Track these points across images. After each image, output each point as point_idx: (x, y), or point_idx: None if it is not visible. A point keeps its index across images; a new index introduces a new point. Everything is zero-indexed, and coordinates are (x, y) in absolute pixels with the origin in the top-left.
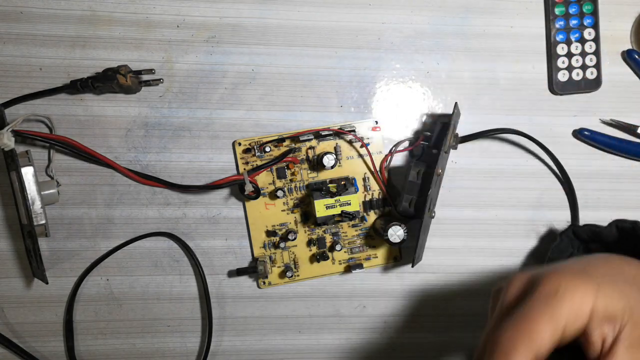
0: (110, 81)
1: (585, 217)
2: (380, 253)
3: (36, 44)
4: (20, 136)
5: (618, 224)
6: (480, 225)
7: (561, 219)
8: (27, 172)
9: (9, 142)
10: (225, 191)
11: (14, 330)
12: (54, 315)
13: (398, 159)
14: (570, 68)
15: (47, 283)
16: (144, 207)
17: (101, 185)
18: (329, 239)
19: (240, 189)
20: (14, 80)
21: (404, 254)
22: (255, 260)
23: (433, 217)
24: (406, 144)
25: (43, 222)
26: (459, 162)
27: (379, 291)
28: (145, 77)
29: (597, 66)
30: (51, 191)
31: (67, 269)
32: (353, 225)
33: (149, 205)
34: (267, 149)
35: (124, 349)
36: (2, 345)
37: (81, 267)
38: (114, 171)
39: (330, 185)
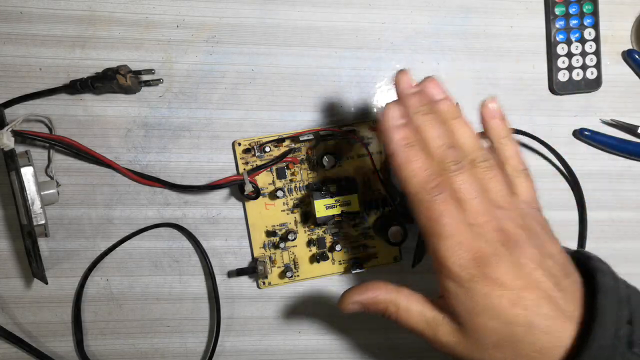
0: (110, 81)
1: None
2: (380, 253)
3: (36, 44)
4: (20, 136)
5: None
6: None
7: (563, 219)
8: (27, 172)
9: (8, 142)
10: (225, 191)
11: (13, 331)
12: (54, 316)
13: None
14: (570, 68)
15: (46, 283)
16: (143, 207)
17: (101, 185)
18: (329, 239)
19: (240, 189)
20: (14, 80)
21: (404, 254)
22: (255, 260)
23: None
24: None
25: (43, 222)
26: None
27: None
28: (145, 77)
29: (598, 66)
30: (51, 191)
31: (67, 269)
32: (353, 225)
33: (148, 206)
34: (267, 149)
35: (123, 349)
36: (9, 341)
37: (81, 267)
38: (114, 171)
39: (330, 185)
